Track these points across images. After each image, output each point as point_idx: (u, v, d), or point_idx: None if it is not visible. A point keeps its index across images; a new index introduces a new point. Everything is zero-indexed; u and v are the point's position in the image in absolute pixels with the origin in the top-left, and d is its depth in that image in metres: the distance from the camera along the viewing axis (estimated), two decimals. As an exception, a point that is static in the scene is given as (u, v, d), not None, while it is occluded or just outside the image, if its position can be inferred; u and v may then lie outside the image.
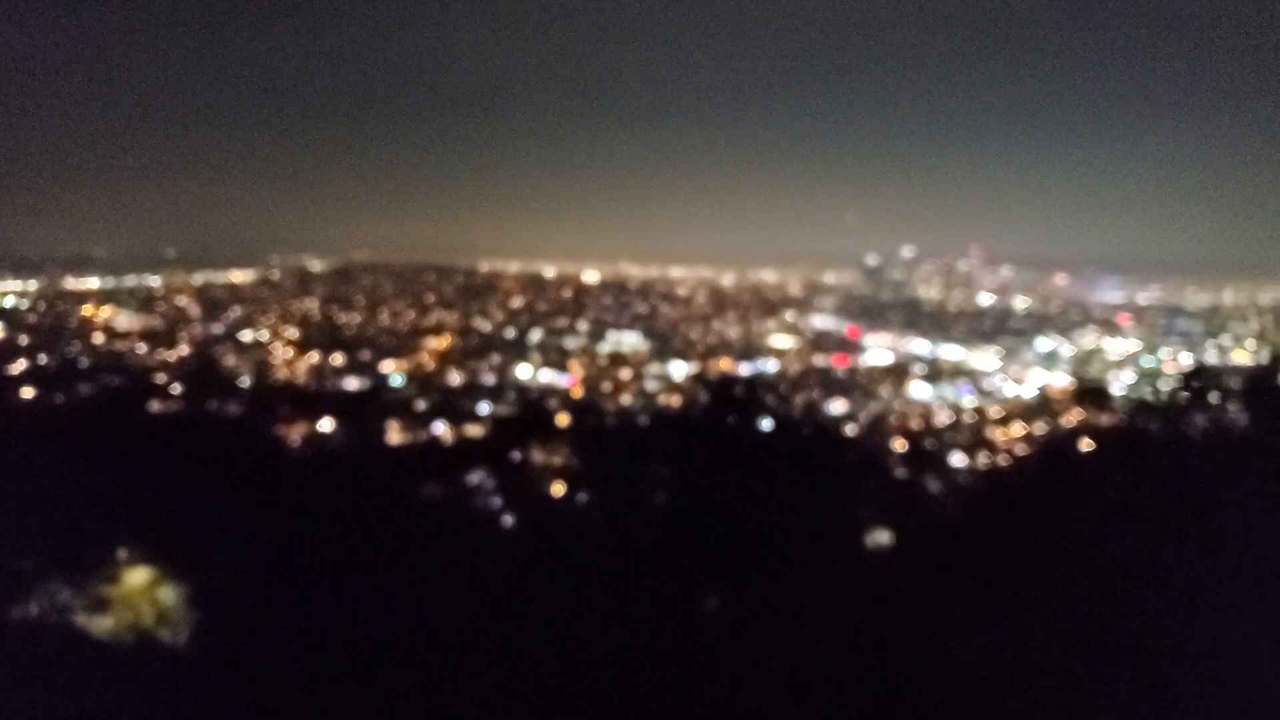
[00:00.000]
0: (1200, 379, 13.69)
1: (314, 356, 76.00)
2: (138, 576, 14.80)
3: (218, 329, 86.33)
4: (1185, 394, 13.69)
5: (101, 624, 14.16)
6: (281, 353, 77.35)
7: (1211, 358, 79.59)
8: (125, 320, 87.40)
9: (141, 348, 74.57)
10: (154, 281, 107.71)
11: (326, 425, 24.37)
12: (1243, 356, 79.26)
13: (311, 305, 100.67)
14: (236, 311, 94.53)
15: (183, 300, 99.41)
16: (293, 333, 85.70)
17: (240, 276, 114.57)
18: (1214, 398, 13.64)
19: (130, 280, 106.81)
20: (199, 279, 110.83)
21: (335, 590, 12.80)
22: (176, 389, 35.44)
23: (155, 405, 26.98)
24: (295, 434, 23.51)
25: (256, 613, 13.02)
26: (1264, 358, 14.00)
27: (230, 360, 67.28)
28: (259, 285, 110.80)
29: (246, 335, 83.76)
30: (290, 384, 57.71)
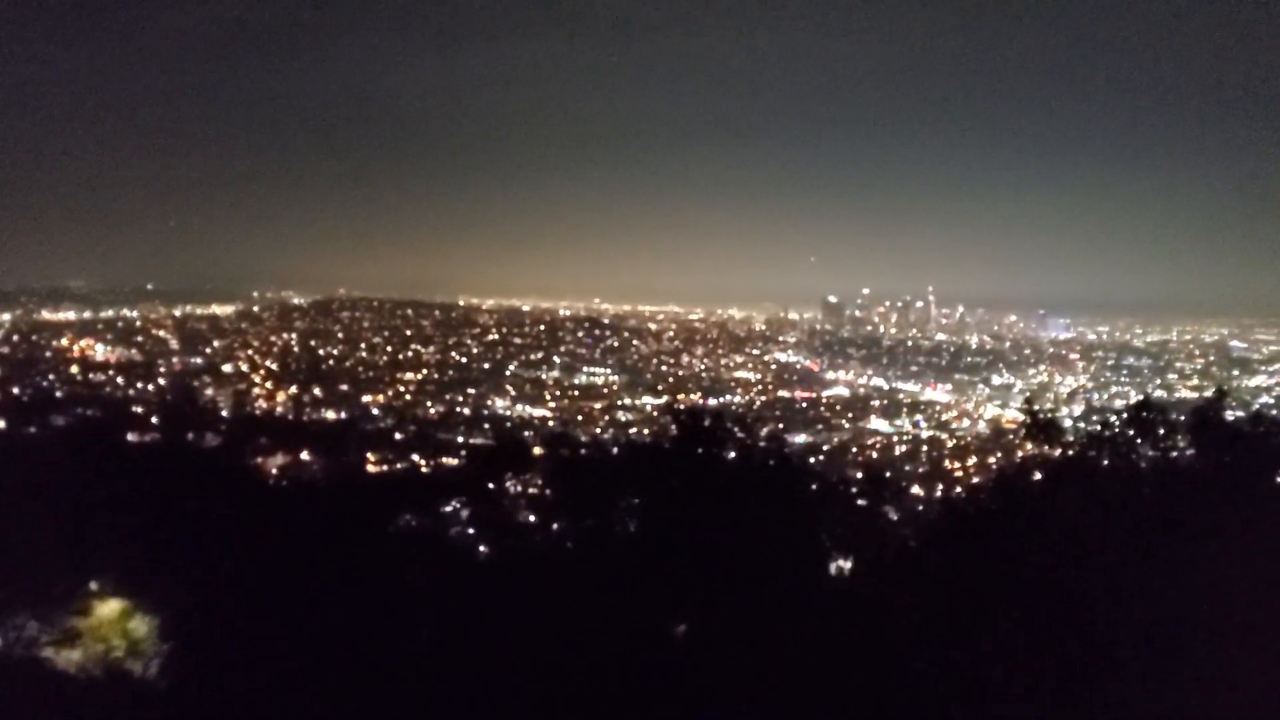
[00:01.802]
0: (1147, 413, 14.21)
1: (293, 388, 75.79)
2: (109, 608, 14.89)
3: (197, 361, 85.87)
4: (1133, 428, 14.20)
5: (69, 657, 14.22)
6: (261, 385, 77.08)
7: (1158, 393, 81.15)
8: (103, 352, 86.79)
9: (119, 380, 74.10)
10: (133, 314, 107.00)
11: (304, 456, 24.53)
12: (1188, 392, 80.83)
13: (292, 338, 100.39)
14: (216, 344, 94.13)
15: (162, 333, 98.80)
16: (272, 365, 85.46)
17: (222, 310, 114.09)
18: (1160, 431, 14.15)
19: (108, 313, 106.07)
20: (179, 312, 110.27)
21: (311, 620, 12.98)
22: (154, 421, 35.42)
23: (131, 437, 27.01)
24: (273, 465, 23.66)
25: (230, 644, 13.17)
26: (1208, 393, 14.56)
27: (209, 392, 66.96)
28: (240, 318, 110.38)
29: (226, 367, 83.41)
30: (269, 416, 57.54)
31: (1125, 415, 14.41)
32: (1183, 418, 14.37)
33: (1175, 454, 14.17)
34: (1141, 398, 15.45)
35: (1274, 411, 14.99)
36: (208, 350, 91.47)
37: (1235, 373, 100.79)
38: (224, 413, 46.77)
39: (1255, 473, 13.47)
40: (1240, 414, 14.48)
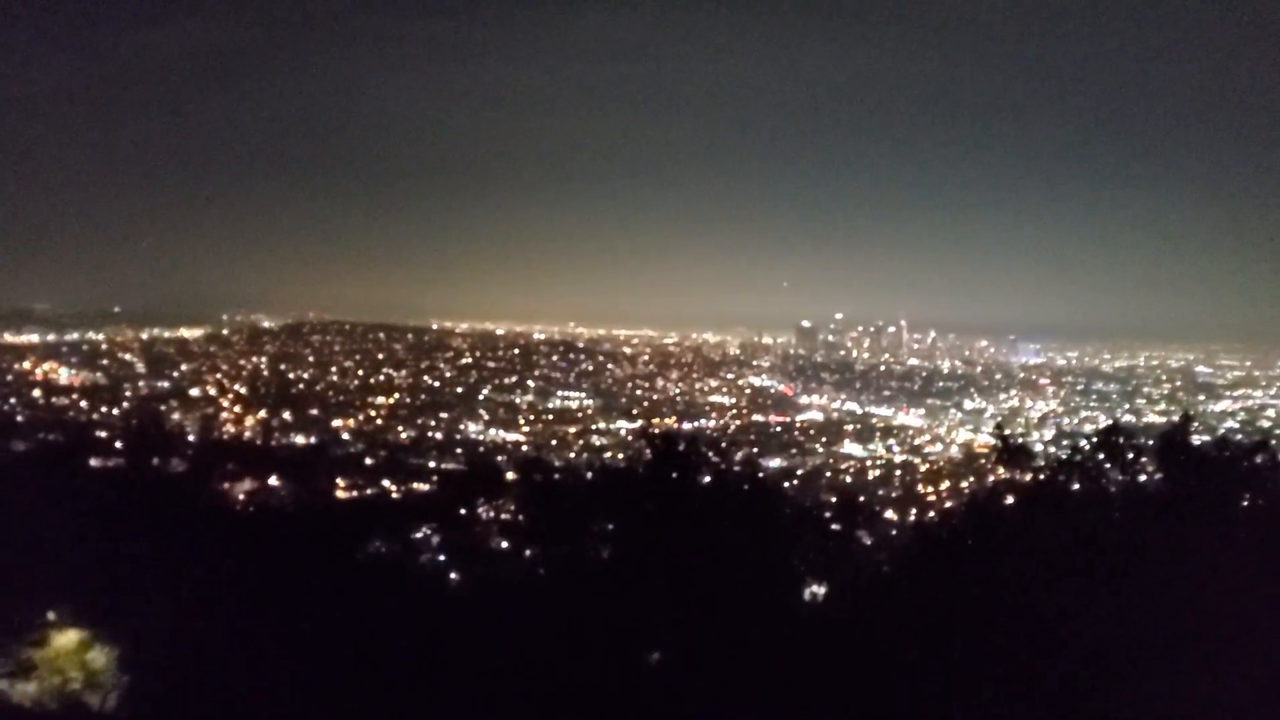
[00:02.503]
0: (1115, 438, 14.37)
1: (262, 413, 74.96)
2: (66, 639, 14.52)
3: (164, 385, 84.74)
4: (1102, 452, 14.35)
5: (24, 689, 13.85)
6: (229, 409, 76.19)
7: (1127, 418, 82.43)
8: (67, 376, 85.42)
9: (83, 404, 72.91)
10: (98, 337, 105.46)
11: (273, 482, 24.14)
12: (1155, 416, 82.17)
13: (261, 362, 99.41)
14: (184, 367, 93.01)
15: (128, 356, 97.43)
16: (241, 389, 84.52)
17: (190, 333, 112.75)
18: (1129, 456, 14.30)
19: (73, 335, 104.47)
20: (146, 335, 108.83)
21: (277, 651, 12.75)
22: (118, 445, 34.78)
23: (94, 462, 26.49)
24: (240, 491, 23.28)
25: (192, 675, 12.90)
26: (1175, 417, 14.78)
27: (176, 416, 66.03)
28: (208, 341, 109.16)
29: (194, 391, 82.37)
30: (237, 440, 56.82)
31: (1094, 440, 14.57)
32: (1150, 442, 14.56)
33: (1143, 478, 14.34)
34: (1110, 423, 15.63)
35: (1238, 436, 15.23)
36: (175, 374, 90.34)
37: (1201, 398, 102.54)
38: (191, 437, 46.06)
39: (1221, 496, 13.66)
40: (1206, 439, 14.66)
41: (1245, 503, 13.89)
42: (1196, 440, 14.55)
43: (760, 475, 17.48)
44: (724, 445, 16.24)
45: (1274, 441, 14.38)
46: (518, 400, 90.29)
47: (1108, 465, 14.32)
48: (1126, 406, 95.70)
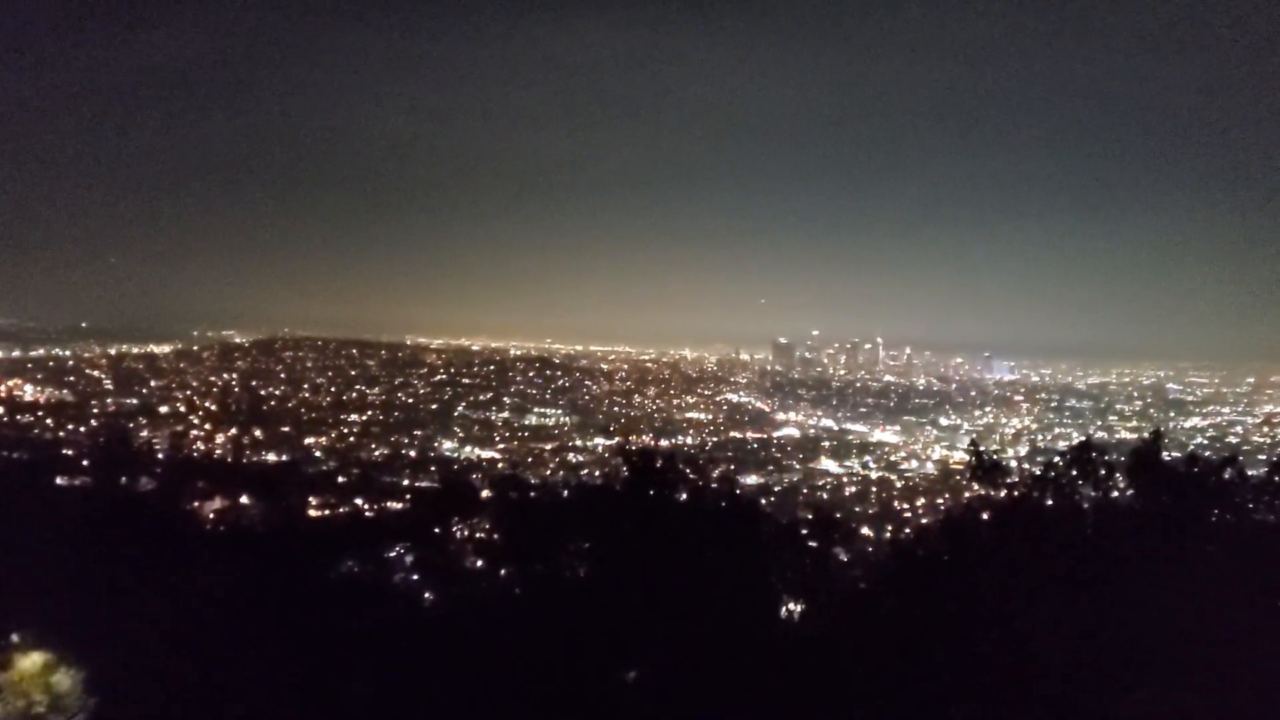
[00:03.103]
0: (1088, 454, 14.52)
1: (233, 430, 74.07)
2: (31, 662, 14.21)
3: (132, 402, 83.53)
4: (1075, 469, 14.48)
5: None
6: (199, 426, 75.20)
7: (1099, 434, 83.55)
8: (32, 393, 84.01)
9: (49, 421, 71.66)
10: (65, 353, 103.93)
11: (244, 500, 23.87)
12: (1127, 433, 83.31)
13: (232, 379, 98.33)
14: (153, 384, 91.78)
15: (95, 373, 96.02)
16: (212, 406, 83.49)
17: (159, 349, 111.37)
18: (1101, 472, 14.45)
19: (39, 352, 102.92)
20: (114, 351, 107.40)
21: (248, 672, 12.54)
22: (85, 464, 34.20)
23: (61, 480, 26.07)
24: (210, 510, 22.99)
25: (161, 697, 12.65)
26: (1146, 434, 14.97)
27: (145, 434, 65.08)
28: (178, 358, 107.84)
29: (163, 408, 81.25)
30: (207, 458, 56.06)
31: (1068, 457, 14.72)
32: (1122, 459, 14.73)
33: (1116, 494, 14.50)
34: (1083, 440, 15.81)
35: (1208, 453, 15.45)
36: (144, 391, 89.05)
37: (1171, 414, 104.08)
38: (160, 455, 45.46)
39: (1191, 511, 13.82)
40: (1176, 455, 14.86)
41: (1214, 517, 14.06)
42: (1167, 456, 14.74)
43: (737, 492, 17.49)
44: (701, 462, 16.22)
45: (1241, 458, 14.57)
46: (493, 417, 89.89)
47: (1081, 481, 14.47)
48: (1099, 423, 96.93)
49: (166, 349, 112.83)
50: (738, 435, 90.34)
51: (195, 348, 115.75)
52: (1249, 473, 14.31)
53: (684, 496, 15.71)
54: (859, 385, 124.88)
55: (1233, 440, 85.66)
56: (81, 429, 67.86)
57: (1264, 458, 14.70)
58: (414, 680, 12.90)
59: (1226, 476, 14.11)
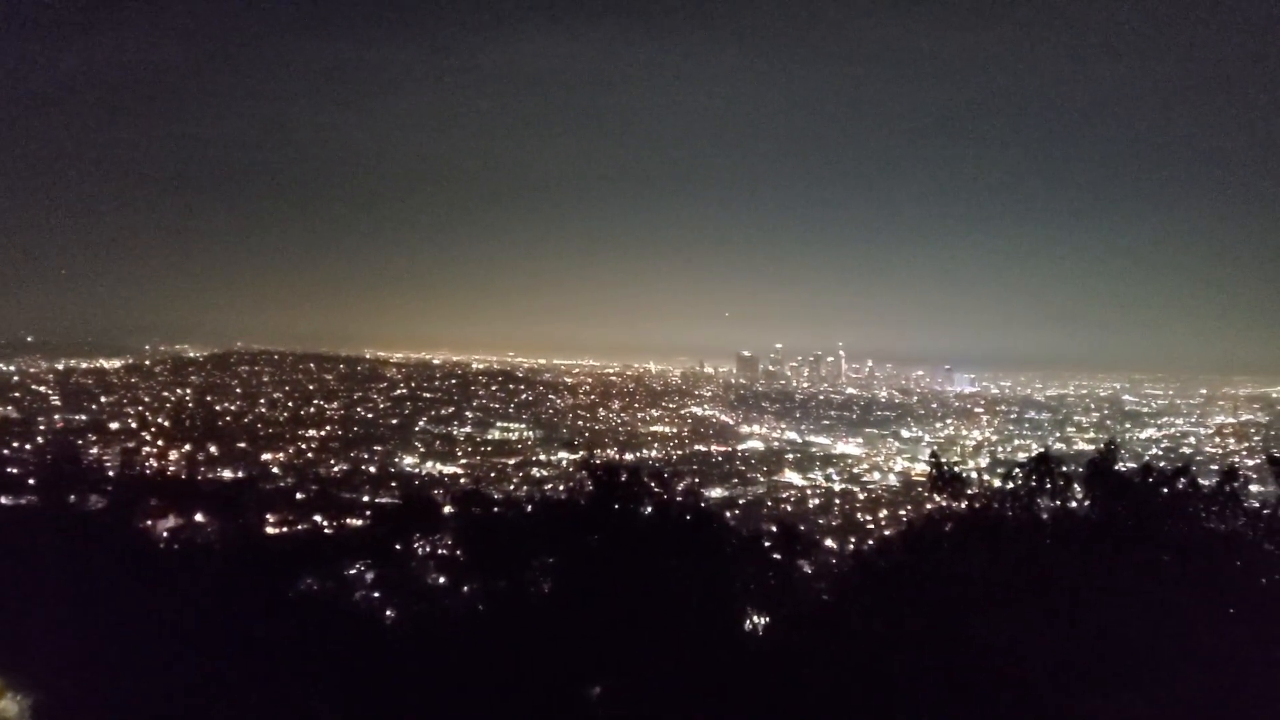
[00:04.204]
0: (1046, 466, 14.74)
1: (187, 446, 72.72)
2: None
3: (81, 418, 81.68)
4: (1033, 480, 14.69)
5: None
6: (152, 443, 73.70)
7: (1058, 446, 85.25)
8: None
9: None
10: (9, 368, 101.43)
11: (198, 518, 23.38)
12: (1085, 444, 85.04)
13: (186, 394, 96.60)
14: (103, 400, 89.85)
15: (42, 388, 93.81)
16: (165, 422, 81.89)
17: (109, 364, 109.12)
18: (1059, 483, 14.67)
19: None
20: (61, 366, 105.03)
21: (204, 695, 12.28)
22: (30, 482, 33.29)
23: (4, 499, 25.40)
24: (163, 528, 22.49)
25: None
26: (1103, 445, 15.27)
27: (94, 451, 63.63)
28: (129, 373, 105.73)
29: (114, 425, 79.55)
30: (160, 475, 54.89)
31: (1026, 468, 14.94)
32: (1079, 469, 14.98)
33: (1074, 504, 14.73)
34: (1041, 451, 16.06)
35: (1162, 463, 15.77)
36: (93, 407, 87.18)
37: (1127, 425, 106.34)
38: (110, 473, 44.39)
39: (1144, 521, 14.08)
40: (1132, 465, 15.16)
41: (1168, 527, 14.33)
42: (1122, 467, 15.01)
43: (702, 505, 17.49)
44: (666, 476, 16.19)
45: (1195, 468, 14.89)
46: (455, 432, 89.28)
47: (1039, 493, 14.68)
48: (1057, 434, 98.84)
49: (117, 363, 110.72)
50: (702, 448, 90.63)
51: (147, 362, 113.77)
52: (1201, 482, 14.61)
53: (648, 510, 15.67)
54: (822, 398, 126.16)
55: (1186, 450, 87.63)
56: (27, 446, 66.16)
57: (1216, 468, 15.02)
58: (376, 699, 12.71)
59: (1179, 487, 14.40)
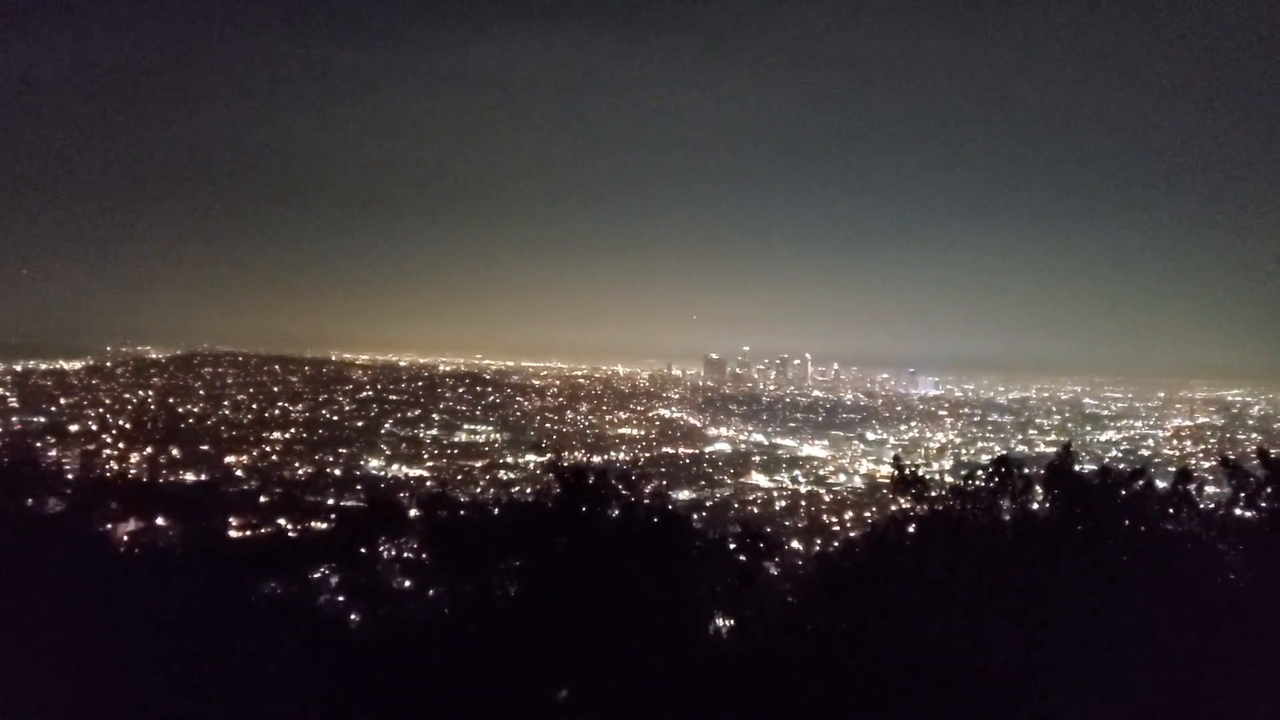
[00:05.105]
0: (1007, 468, 14.97)
1: (149, 449, 71.61)
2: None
3: (40, 420, 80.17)
4: (995, 481, 14.91)
5: None
6: (112, 445, 72.48)
7: (1020, 448, 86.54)
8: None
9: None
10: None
11: (160, 522, 23.07)
12: (1046, 447, 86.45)
13: (148, 395, 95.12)
14: (63, 402, 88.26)
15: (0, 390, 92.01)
16: (126, 424, 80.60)
17: (69, 365, 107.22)
18: (1019, 485, 14.91)
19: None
20: (19, 367, 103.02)
21: (165, 701, 12.12)
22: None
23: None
24: (124, 532, 22.15)
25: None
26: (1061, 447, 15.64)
27: (53, 454, 62.48)
28: (89, 374, 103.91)
29: (73, 427, 78.17)
30: (121, 478, 54.03)
31: (988, 470, 15.16)
32: (1040, 471, 15.24)
33: (1035, 506, 14.98)
34: (1002, 454, 16.32)
35: (1121, 465, 16.11)
36: (52, 409, 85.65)
37: (1088, 428, 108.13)
38: (70, 475, 43.64)
39: (1102, 522, 14.35)
40: (1092, 467, 15.44)
41: (1125, 527, 14.60)
42: (1082, 469, 15.29)
43: (669, 508, 17.53)
44: (633, 478, 16.21)
45: (1151, 470, 15.21)
46: (422, 434, 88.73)
47: (1000, 494, 14.91)
48: (1020, 436, 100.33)
49: (77, 365, 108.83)
50: (670, 450, 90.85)
51: (108, 364, 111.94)
52: (1158, 484, 14.91)
53: (616, 513, 15.69)
54: (788, 400, 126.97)
55: (1144, 453, 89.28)
56: (-17, 449, 64.86)
57: (1173, 469, 15.35)
58: (340, 704, 12.61)
59: (1137, 488, 14.69)
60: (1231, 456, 14.75)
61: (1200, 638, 11.41)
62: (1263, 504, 13.67)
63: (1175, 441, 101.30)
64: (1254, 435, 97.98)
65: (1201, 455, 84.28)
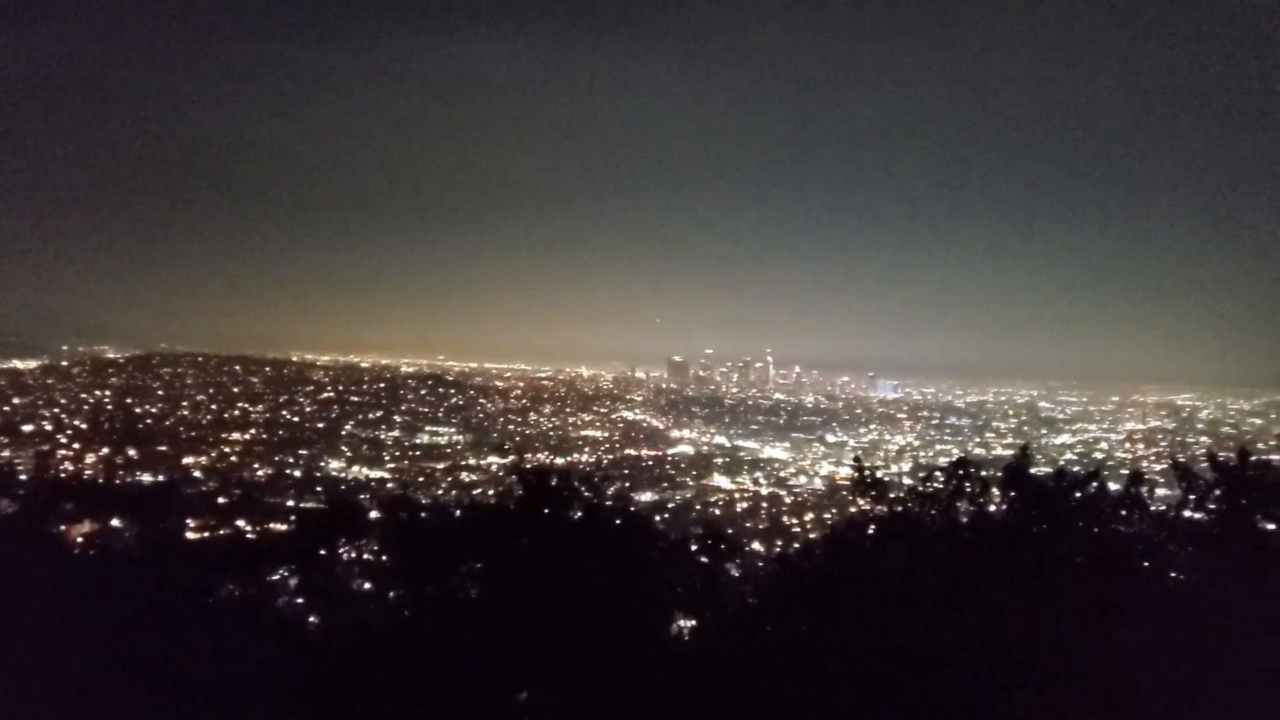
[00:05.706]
0: (964, 471, 15.20)
1: (105, 450, 70.35)
2: None
3: (-11, 420, 78.46)
4: (952, 483, 15.14)
5: None
6: (68, 446, 71.09)
7: (978, 450, 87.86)
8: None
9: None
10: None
11: (116, 523, 22.64)
12: (1003, 449, 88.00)
13: (105, 396, 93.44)
14: (16, 401, 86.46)
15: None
16: (82, 425, 79.10)
17: (23, 365, 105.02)
18: (976, 487, 15.15)
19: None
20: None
21: (121, 706, 11.94)
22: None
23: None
24: (79, 533, 21.72)
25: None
26: (1018, 450, 15.91)
27: (6, 454, 61.11)
28: (44, 374, 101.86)
29: (27, 427, 76.59)
30: (76, 479, 52.95)
31: (946, 472, 15.39)
32: (997, 474, 15.49)
33: (991, 508, 15.22)
34: (960, 456, 16.55)
35: (1076, 468, 16.40)
36: (5, 408, 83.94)
37: (1044, 431, 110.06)
38: (23, 476, 42.69)
39: (1057, 524, 14.63)
40: (1048, 470, 15.71)
41: (1079, 529, 14.89)
42: (1038, 471, 15.57)
43: (632, 509, 17.56)
44: (596, 480, 16.19)
45: (1105, 472, 15.51)
46: (383, 436, 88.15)
47: (957, 496, 15.13)
48: (977, 439, 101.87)
49: (32, 364, 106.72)
50: (633, 452, 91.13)
51: (64, 363, 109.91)
52: (1111, 486, 15.22)
53: (578, 515, 15.70)
54: (750, 403, 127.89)
55: (1098, 455, 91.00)
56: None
57: (1126, 472, 15.70)
58: (299, 706, 12.51)
59: (1090, 490, 14.98)
60: (1182, 459, 15.09)
61: (1152, 635, 11.69)
62: (1211, 506, 14.01)
63: (1128, 444, 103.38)
64: (1203, 438, 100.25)
65: (1153, 458, 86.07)
